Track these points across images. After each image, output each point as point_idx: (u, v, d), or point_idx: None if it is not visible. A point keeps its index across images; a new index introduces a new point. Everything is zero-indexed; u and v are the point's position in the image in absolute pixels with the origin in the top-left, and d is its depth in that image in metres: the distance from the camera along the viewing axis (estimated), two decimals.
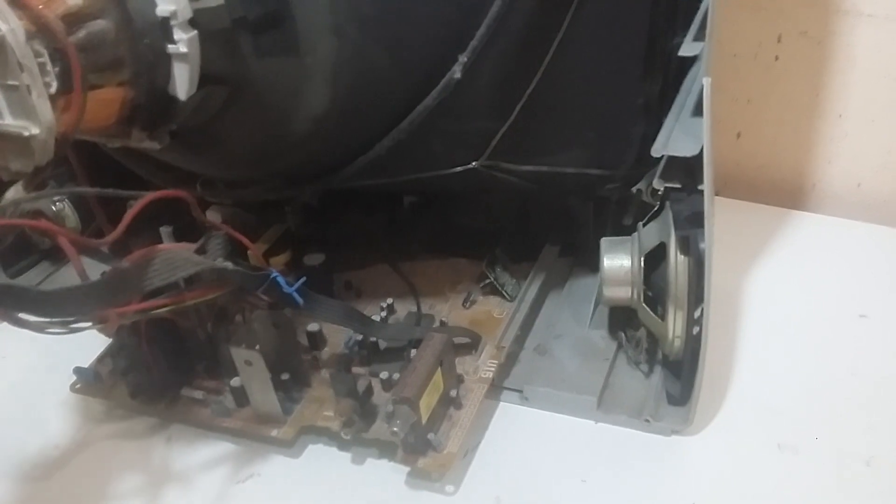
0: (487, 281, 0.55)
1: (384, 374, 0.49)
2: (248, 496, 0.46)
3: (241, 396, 0.49)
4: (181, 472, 0.48)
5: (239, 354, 0.46)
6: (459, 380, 0.49)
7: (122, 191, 0.42)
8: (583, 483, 0.46)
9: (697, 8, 0.44)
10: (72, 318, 0.40)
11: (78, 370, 0.52)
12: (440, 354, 0.46)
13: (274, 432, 0.48)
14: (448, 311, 0.55)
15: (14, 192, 0.48)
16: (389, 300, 0.55)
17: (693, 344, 0.45)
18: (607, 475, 0.46)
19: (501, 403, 0.51)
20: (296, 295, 0.44)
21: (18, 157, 0.35)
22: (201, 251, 0.43)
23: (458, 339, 0.50)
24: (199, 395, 0.50)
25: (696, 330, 0.45)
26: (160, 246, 0.42)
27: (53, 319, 0.39)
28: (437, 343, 0.46)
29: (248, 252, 0.47)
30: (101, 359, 0.53)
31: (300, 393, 0.49)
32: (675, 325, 0.45)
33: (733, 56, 0.67)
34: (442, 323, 0.53)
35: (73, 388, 0.52)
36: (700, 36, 0.42)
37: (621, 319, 0.53)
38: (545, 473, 0.46)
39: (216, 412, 0.49)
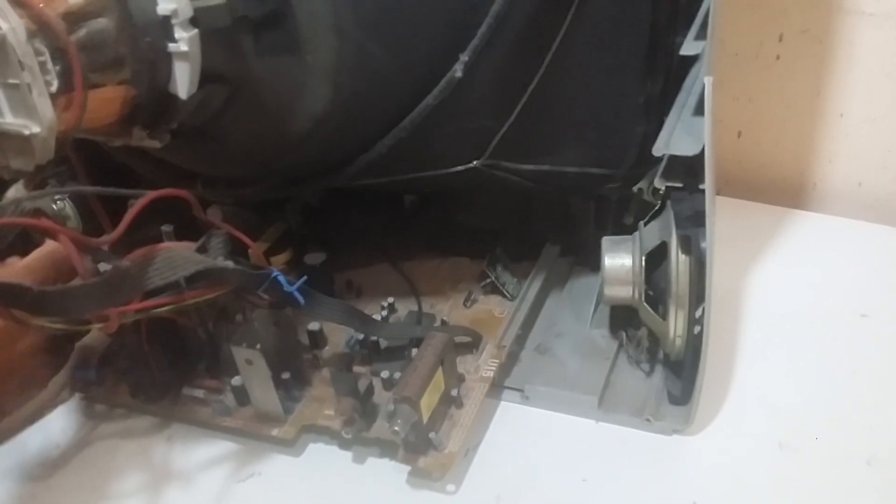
0: (488, 280, 0.55)
1: (385, 374, 0.49)
2: (249, 495, 0.46)
3: (241, 395, 0.49)
4: (182, 471, 0.48)
5: (240, 353, 0.46)
6: (460, 379, 0.49)
7: (123, 189, 0.42)
8: (583, 482, 0.46)
9: (699, 7, 0.44)
10: (73, 317, 0.40)
11: (79, 368, 0.52)
12: (441, 353, 0.46)
13: (275, 431, 0.48)
14: (449, 310, 0.55)
15: (15, 191, 0.48)
16: (390, 299, 0.55)
17: (694, 343, 0.45)
18: (608, 474, 0.46)
19: (502, 403, 0.51)
20: (297, 294, 0.44)
21: (19, 156, 0.35)
22: (202, 250, 0.43)
23: (459, 339, 0.50)
24: (199, 393, 0.50)
25: (697, 329, 0.45)
26: (161, 245, 0.42)
27: (55, 318, 0.39)
28: (438, 342, 0.46)
29: (249, 251, 0.47)
30: (102, 358, 0.53)
31: (301, 392, 0.49)
32: (676, 324, 0.45)
33: (734, 55, 0.67)
34: (443, 322, 0.53)
35: (73, 386, 0.52)
36: (701, 35, 0.42)
37: (622, 319, 0.53)
38: (546, 472, 0.46)
39: (217, 411, 0.49)
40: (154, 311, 0.42)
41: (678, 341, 0.46)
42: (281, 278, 0.44)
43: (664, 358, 0.50)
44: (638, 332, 0.51)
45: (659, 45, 0.46)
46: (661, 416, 0.48)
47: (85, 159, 0.52)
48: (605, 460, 0.47)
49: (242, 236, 0.46)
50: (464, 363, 0.50)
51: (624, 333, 0.52)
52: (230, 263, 0.43)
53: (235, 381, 0.48)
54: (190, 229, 0.45)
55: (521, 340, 0.53)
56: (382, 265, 0.59)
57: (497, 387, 0.51)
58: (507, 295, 0.55)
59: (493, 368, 0.50)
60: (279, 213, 0.58)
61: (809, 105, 0.68)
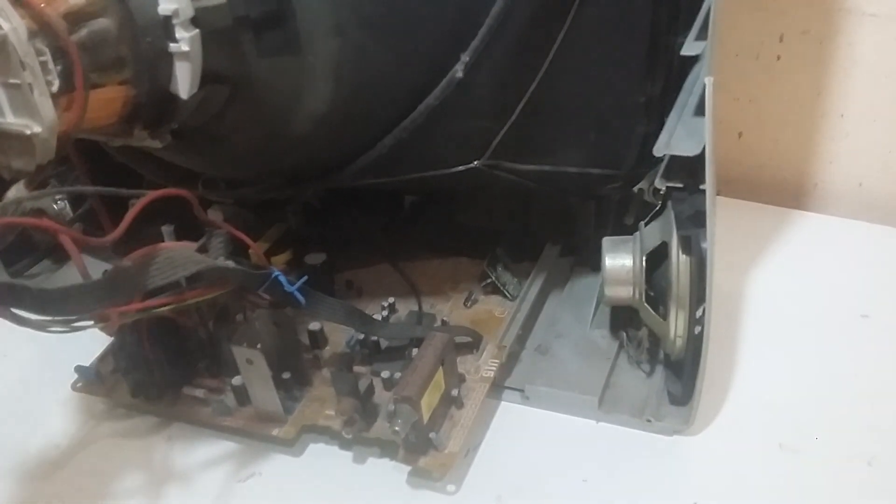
0: (489, 280, 0.55)
1: (385, 374, 0.49)
2: (250, 495, 0.46)
3: (242, 395, 0.49)
4: (182, 470, 0.48)
5: (240, 353, 0.46)
6: (461, 379, 0.49)
7: (124, 189, 0.42)
8: (584, 483, 0.46)
9: (699, 7, 0.44)
10: (73, 317, 0.40)
11: (79, 369, 0.52)
12: (441, 354, 0.46)
13: (275, 431, 0.48)
14: (449, 310, 0.55)
15: (16, 191, 0.48)
16: (391, 299, 0.55)
17: (695, 343, 0.45)
18: (608, 475, 0.46)
19: (503, 403, 0.51)
20: (297, 294, 0.45)
21: (20, 156, 0.35)
22: (203, 250, 0.43)
23: (460, 339, 0.50)
24: (200, 393, 0.50)
25: (697, 329, 0.45)
26: (162, 245, 0.42)
27: (55, 318, 0.39)
28: (439, 342, 0.46)
29: (250, 251, 0.47)
30: (102, 357, 0.53)
31: (301, 392, 0.49)
32: (676, 324, 0.45)
33: (735, 55, 0.67)
34: (443, 322, 0.53)
35: (74, 386, 0.52)
36: (702, 35, 0.42)
37: (623, 319, 0.53)
38: (546, 473, 0.46)
39: (217, 411, 0.49)
40: (155, 310, 0.42)
41: (679, 342, 0.46)
42: (281, 278, 0.44)
43: (665, 358, 0.50)
44: (638, 333, 0.51)
45: (659, 46, 0.46)
46: (662, 416, 0.48)
47: (86, 159, 0.52)
48: (606, 461, 0.47)
49: (243, 236, 0.46)
50: (464, 363, 0.50)
51: (624, 334, 0.52)
52: (231, 263, 0.43)
53: (236, 380, 0.48)
54: (191, 229, 0.45)
55: (521, 341, 0.53)
56: (383, 265, 0.59)
57: (497, 387, 0.51)
58: (508, 295, 0.55)
59: (494, 369, 0.50)
60: (280, 213, 0.58)
61: (810, 105, 0.68)
